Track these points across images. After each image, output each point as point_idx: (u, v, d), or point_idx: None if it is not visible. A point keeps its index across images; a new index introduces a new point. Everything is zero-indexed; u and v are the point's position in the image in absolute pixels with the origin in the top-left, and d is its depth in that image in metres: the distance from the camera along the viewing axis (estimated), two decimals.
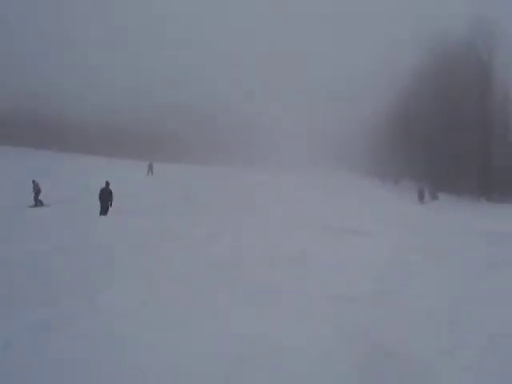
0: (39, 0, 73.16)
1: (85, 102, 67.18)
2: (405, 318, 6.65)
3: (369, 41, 67.09)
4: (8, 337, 5.65)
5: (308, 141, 71.17)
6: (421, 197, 35.61)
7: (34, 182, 23.45)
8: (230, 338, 5.83)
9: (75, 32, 72.04)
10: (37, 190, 23.21)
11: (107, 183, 20.89)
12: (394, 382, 4.91)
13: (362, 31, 71.32)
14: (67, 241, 11.87)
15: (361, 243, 12.55)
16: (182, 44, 76.57)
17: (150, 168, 42.18)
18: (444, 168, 41.07)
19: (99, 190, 20.57)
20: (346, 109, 69.12)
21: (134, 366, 5.14)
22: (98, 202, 20.37)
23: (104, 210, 20.31)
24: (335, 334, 6.07)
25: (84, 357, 5.26)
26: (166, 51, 73.13)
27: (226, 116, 75.20)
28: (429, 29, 44.70)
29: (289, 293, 7.76)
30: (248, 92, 73.86)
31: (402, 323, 6.47)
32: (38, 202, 23.07)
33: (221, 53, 77.95)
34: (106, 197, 20.43)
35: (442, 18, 44.10)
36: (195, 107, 74.22)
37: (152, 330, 6.02)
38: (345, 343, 5.79)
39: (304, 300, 7.39)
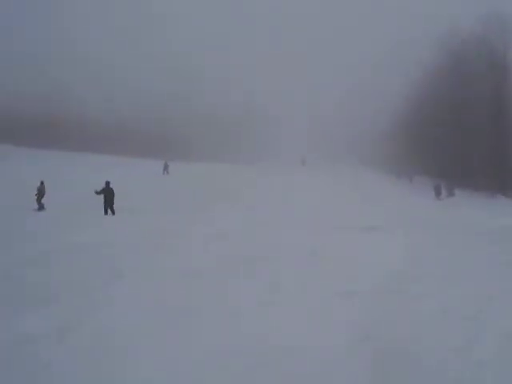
0: None
1: (97, 100, 67.48)
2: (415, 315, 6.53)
3: (384, 39, 66.49)
4: None
5: (324, 138, 70.90)
6: (438, 193, 35.20)
7: (42, 183, 22.39)
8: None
9: (78, 31, 72.24)
10: (42, 193, 22.11)
11: (107, 183, 21.06)
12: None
13: (375, 29, 70.65)
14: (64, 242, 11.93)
15: (381, 240, 12.39)
16: (193, 43, 76.61)
17: (166, 167, 42.30)
18: (460, 164, 40.63)
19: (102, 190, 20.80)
20: (361, 107, 68.78)
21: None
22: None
23: (107, 210, 20.53)
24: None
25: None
26: (176, 50, 73.14)
27: (234, 113, 74.99)
28: (442, 27, 44.23)
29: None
30: (259, 88, 73.74)
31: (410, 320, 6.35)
32: (40, 206, 21.90)
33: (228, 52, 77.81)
34: (108, 196, 20.60)
35: (455, 15, 43.43)
36: (206, 106, 74.22)
37: None
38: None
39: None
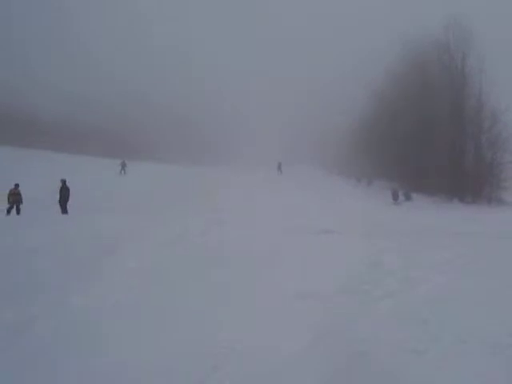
0: None
1: (52, 96, 65.81)
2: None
3: (342, 42, 67.42)
4: None
5: (281, 140, 71.10)
6: (395, 197, 35.60)
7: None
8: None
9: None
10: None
11: (63, 181, 20.91)
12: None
13: (336, 32, 71.61)
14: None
15: (332, 242, 12.23)
16: (164, 43, 75.95)
17: (123, 167, 41.62)
18: (417, 169, 41.28)
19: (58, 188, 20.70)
20: (319, 109, 69.41)
21: None
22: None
23: (64, 208, 20.44)
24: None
25: None
26: (148, 49, 72.36)
27: (199, 114, 74.69)
28: (403, 30, 44.87)
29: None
30: (222, 89, 73.67)
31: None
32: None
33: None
34: (64, 195, 20.55)
35: (416, 19, 44.22)
36: (167, 105, 73.54)
37: None
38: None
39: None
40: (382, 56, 50.30)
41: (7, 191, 20.80)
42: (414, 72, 45.16)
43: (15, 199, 20.67)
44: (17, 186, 20.96)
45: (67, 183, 20.90)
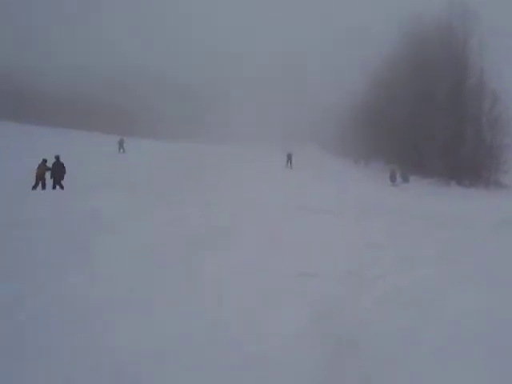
0: None
1: (49, 70, 65.00)
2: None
3: (341, 20, 66.69)
4: None
5: (280, 120, 70.76)
6: (392, 179, 35.52)
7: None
8: None
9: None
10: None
11: (57, 157, 20.53)
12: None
13: (335, 14, 70.76)
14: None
15: (331, 222, 12.18)
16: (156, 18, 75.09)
17: (121, 144, 40.34)
18: (416, 151, 41.13)
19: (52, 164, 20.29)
20: (317, 89, 68.96)
21: None
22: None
23: (57, 184, 20.16)
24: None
25: None
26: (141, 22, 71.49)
27: (200, 91, 74.10)
28: (403, 11, 44.38)
29: None
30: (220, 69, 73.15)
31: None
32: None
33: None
34: (59, 171, 20.17)
35: (417, 2, 43.62)
36: (170, 80, 72.90)
37: None
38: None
39: None
40: (382, 35, 49.85)
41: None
42: (413, 51, 44.73)
43: (40, 174, 20.22)
44: (44, 161, 20.47)
45: (61, 159, 20.51)
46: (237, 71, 74.90)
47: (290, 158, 37.84)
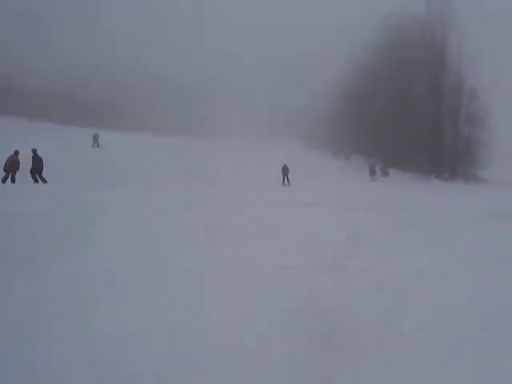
0: None
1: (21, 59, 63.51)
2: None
3: (323, 15, 66.74)
4: None
5: (257, 114, 70.55)
6: (372, 172, 35.74)
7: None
8: None
9: None
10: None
11: (34, 150, 20.14)
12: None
13: (316, 6, 70.72)
14: None
15: (314, 215, 12.19)
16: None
17: (96, 139, 39.67)
18: (395, 145, 41.44)
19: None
20: (298, 83, 68.88)
21: None
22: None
23: (37, 178, 19.86)
24: None
25: None
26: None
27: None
28: (382, 9, 44.53)
29: None
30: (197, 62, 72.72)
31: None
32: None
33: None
34: (37, 165, 19.86)
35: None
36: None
37: None
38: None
39: None
40: (362, 30, 49.99)
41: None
42: (392, 47, 45.06)
43: (12, 167, 19.56)
44: (17, 153, 19.92)
45: (38, 153, 20.17)
46: (225, 71, 74.65)
47: (285, 171, 27.64)
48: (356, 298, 6.00)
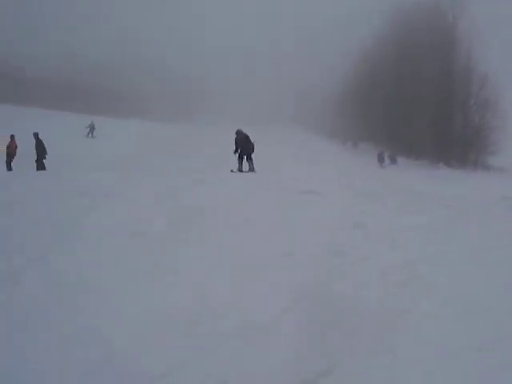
0: None
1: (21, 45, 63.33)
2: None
3: (332, 5, 66.10)
4: None
5: (263, 100, 70.15)
6: (380, 160, 35.53)
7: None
8: None
9: None
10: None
11: (36, 134, 19.26)
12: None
13: None
14: None
15: (318, 203, 12.03)
16: None
17: (91, 129, 38.53)
18: (404, 132, 41.15)
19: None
20: (306, 70, 68.50)
21: None
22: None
23: (42, 165, 19.04)
24: None
25: None
26: None
27: (180, 69, 73.06)
28: None
29: None
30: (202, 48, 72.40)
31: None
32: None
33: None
34: (42, 150, 19.14)
35: None
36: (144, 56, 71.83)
37: None
38: None
39: None
40: (371, 15, 49.54)
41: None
42: (402, 34, 44.56)
43: (12, 153, 19.17)
44: (12, 137, 19.42)
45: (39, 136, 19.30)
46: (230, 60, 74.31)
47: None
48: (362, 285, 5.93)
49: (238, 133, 18.54)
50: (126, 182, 13.22)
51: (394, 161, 36.88)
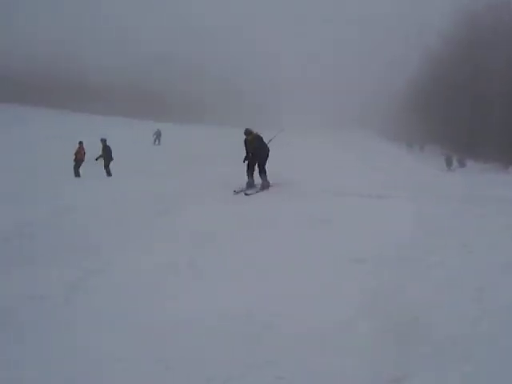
0: None
1: (85, 56, 65.71)
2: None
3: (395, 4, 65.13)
4: None
5: (331, 103, 69.79)
6: (448, 163, 34.70)
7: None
8: None
9: None
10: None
11: (104, 140, 19.91)
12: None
13: None
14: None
15: (386, 207, 11.91)
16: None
17: (158, 136, 39.26)
18: (472, 134, 39.92)
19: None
20: (372, 73, 67.75)
21: None
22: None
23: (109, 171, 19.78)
24: None
25: None
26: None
27: (239, 74, 73.72)
28: None
29: None
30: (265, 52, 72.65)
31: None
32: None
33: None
34: (109, 155, 19.81)
35: None
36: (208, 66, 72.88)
37: None
38: None
39: None
40: (436, 18, 48.54)
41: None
42: (469, 31, 43.42)
43: (80, 158, 19.81)
44: (80, 143, 20.02)
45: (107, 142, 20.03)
46: (285, 55, 74.19)
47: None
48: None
49: (248, 133, 13.70)
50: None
51: (462, 164, 35.88)
